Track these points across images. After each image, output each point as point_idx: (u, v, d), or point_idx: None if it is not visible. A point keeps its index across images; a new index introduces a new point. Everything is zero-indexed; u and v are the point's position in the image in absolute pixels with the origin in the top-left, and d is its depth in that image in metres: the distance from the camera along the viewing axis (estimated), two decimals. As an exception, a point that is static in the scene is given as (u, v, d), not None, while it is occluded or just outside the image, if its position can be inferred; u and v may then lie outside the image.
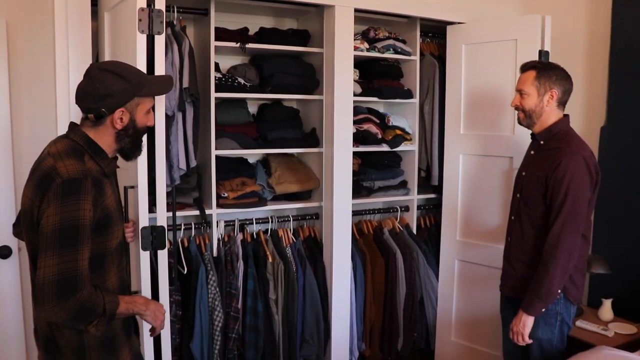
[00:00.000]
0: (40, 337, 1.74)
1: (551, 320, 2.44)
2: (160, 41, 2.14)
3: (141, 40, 2.08)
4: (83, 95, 1.72)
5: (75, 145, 1.72)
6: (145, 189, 2.15)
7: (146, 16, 2.10)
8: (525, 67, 2.51)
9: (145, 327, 2.12)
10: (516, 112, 2.55)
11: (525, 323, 2.38)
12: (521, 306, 2.40)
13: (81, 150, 1.71)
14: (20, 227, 1.85)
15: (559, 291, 2.36)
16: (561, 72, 2.46)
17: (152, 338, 2.19)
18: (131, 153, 1.86)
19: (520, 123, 2.54)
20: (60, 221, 1.55)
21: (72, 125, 1.80)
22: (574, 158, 2.31)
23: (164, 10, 2.14)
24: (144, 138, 1.93)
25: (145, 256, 2.20)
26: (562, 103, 2.46)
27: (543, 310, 2.36)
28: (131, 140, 1.81)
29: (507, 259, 2.61)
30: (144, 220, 2.17)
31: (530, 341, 2.42)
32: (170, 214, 3.01)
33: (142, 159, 2.12)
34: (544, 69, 2.45)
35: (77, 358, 1.71)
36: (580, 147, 2.37)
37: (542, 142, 2.48)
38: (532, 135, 2.55)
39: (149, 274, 2.23)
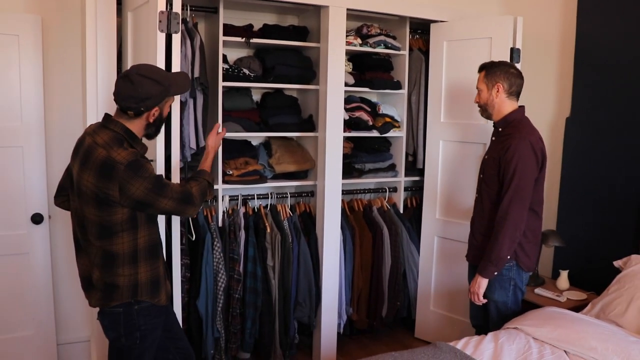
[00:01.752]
0: (100, 284, 2.18)
1: (505, 285, 2.81)
2: (176, 39, 2.53)
3: (161, 38, 2.47)
4: (125, 97, 2.12)
5: (117, 135, 2.13)
6: (162, 162, 2.56)
7: (165, 18, 2.47)
8: (479, 68, 2.89)
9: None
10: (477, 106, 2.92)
11: (480, 284, 2.76)
12: (477, 270, 2.78)
13: (121, 139, 2.13)
14: (62, 198, 2.38)
15: (509, 258, 2.72)
16: (506, 67, 2.82)
17: None
18: (154, 135, 2.31)
19: (481, 115, 2.92)
20: (148, 185, 2.07)
21: (108, 116, 2.20)
22: (521, 142, 2.67)
23: (180, 13, 2.53)
24: None
25: (161, 219, 2.59)
26: (512, 94, 2.81)
27: (495, 273, 2.73)
28: (156, 128, 2.27)
29: (471, 231, 2.98)
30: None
31: (485, 300, 2.80)
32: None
33: (160, 138, 2.51)
34: (490, 67, 2.84)
35: (132, 293, 2.18)
36: (529, 133, 2.72)
37: (500, 129, 2.85)
38: (494, 123, 2.92)
39: (164, 234, 2.62)
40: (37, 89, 3.24)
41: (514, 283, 2.82)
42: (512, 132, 2.75)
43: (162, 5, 2.46)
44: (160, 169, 2.54)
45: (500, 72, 2.80)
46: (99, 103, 2.95)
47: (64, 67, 3.34)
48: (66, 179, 2.34)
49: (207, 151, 2.61)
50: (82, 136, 2.23)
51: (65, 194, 2.37)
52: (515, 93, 2.83)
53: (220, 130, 2.74)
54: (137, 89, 2.10)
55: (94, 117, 2.95)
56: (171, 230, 2.76)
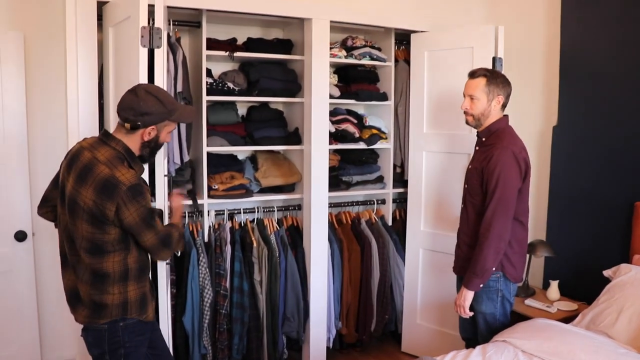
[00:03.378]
0: (88, 301, 2.17)
1: (493, 296, 2.78)
2: (159, 53, 2.51)
3: (143, 53, 2.45)
4: (126, 107, 2.13)
5: (118, 154, 2.13)
6: (146, 177, 2.51)
7: (147, 33, 2.46)
8: (474, 74, 2.78)
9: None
10: (465, 114, 2.83)
11: (466, 297, 2.72)
12: (462, 282, 2.75)
13: (122, 158, 2.13)
14: (45, 209, 2.36)
15: (495, 270, 2.69)
16: (505, 79, 2.78)
17: None
18: (147, 159, 2.30)
19: (467, 123, 2.86)
20: (141, 214, 2.08)
21: (108, 133, 2.19)
22: (504, 152, 2.63)
23: (162, 27, 2.51)
24: None
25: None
26: (504, 106, 2.78)
27: (481, 285, 2.69)
28: (150, 151, 2.25)
29: (457, 242, 2.95)
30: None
31: (471, 313, 2.76)
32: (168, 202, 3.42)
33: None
34: (492, 76, 2.75)
35: (122, 310, 2.17)
36: (511, 143, 2.68)
37: (483, 139, 2.82)
38: (478, 133, 2.89)
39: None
40: (19, 106, 3.22)
41: (502, 294, 2.79)
42: (494, 142, 2.72)
43: (144, 21, 2.45)
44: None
45: (502, 84, 2.74)
46: (80, 120, 2.93)
47: (47, 84, 3.33)
48: (52, 190, 2.32)
49: (174, 211, 2.56)
50: (76, 149, 2.20)
51: (49, 205, 2.34)
52: (506, 104, 2.80)
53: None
54: (140, 102, 2.12)
55: (76, 133, 2.93)
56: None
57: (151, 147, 2.24)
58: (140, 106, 2.11)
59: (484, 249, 2.63)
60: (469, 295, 2.72)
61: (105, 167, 2.07)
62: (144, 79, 2.37)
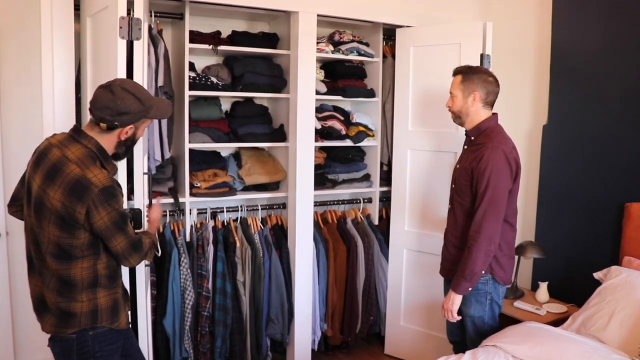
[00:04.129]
0: (55, 309, 2.03)
1: (481, 299, 2.71)
2: (138, 46, 2.40)
3: (122, 45, 2.34)
4: (102, 107, 1.98)
5: (90, 152, 1.99)
6: (124, 176, 2.42)
7: (126, 24, 2.35)
8: (454, 72, 2.77)
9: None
10: (449, 111, 2.80)
11: (454, 301, 2.65)
12: (451, 286, 2.68)
13: (95, 157, 2.00)
14: (15, 208, 2.22)
15: (484, 272, 2.62)
16: (484, 75, 2.71)
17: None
18: (123, 156, 2.17)
19: (454, 121, 2.82)
20: (112, 218, 1.96)
21: (79, 129, 2.04)
22: (494, 152, 2.57)
23: (142, 18, 2.40)
24: None
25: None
26: (487, 103, 2.71)
27: (470, 289, 2.62)
28: (126, 149, 2.12)
29: (444, 243, 2.88)
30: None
31: (459, 318, 2.69)
32: (147, 201, 3.31)
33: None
34: (467, 73, 2.71)
35: (92, 319, 2.04)
36: (502, 142, 2.62)
37: (472, 138, 2.75)
38: (466, 132, 2.82)
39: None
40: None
41: (490, 297, 2.73)
42: (484, 141, 2.65)
43: (122, 11, 2.34)
44: (122, 182, 2.39)
45: (478, 80, 2.69)
46: (56, 115, 2.82)
47: (21, 77, 3.17)
48: (22, 188, 2.17)
49: (150, 222, 2.45)
50: (44, 146, 2.05)
51: (19, 204, 2.20)
52: (491, 102, 2.73)
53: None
54: (117, 101, 1.97)
55: (51, 128, 2.82)
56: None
57: (127, 146, 2.12)
58: (117, 106, 1.97)
59: (473, 252, 2.56)
60: (457, 299, 2.66)
61: (76, 166, 1.93)
62: (122, 73, 2.26)
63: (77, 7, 2.92)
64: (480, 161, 2.59)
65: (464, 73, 2.71)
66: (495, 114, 2.75)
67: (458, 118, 2.76)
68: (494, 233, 2.56)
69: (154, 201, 2.63)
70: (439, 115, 3.31)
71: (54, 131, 2.77)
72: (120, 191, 2.03)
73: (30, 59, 3.13)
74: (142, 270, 2.50)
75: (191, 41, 3.30)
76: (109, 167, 2.06)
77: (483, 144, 2.64)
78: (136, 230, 2.20)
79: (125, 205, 2.39)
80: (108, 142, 2.05)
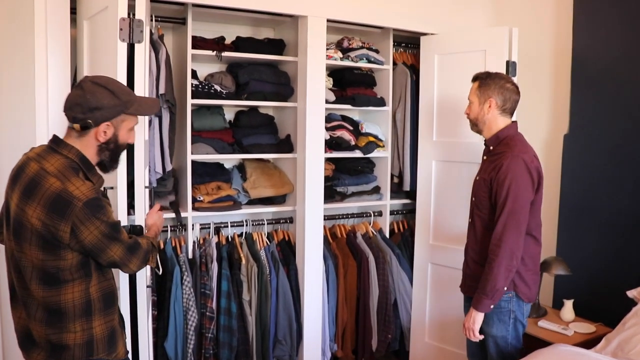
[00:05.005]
0: (44, 342, 1.82)
1: (504, 318, 2.54)
2: (140, 49, 2.23)
3: (122, 48, 2.17)
4: (72, 105, 1.78)
5: (71, 163, 1.78)
6: (124, 190, 2.23)
7: (127, 26, 2.18)
8: (473, 78, 2.64)
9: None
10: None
11: (475, 319, 2.48)
12: (472, 303, 2.51)
13: (77, 168, 1.79)
14: None
15: (507, 289, 2.46)
16: (501, 81, 2.56)
17: (129, 331, 2.28)
18: (109, 166, 1.92)
19: (471, 129, 2.67)
20: (102, 231, 1.75)
21: (58, 139, 1.84)
22: (514, 161, 2.42)
23: (144, 20, 2.23)
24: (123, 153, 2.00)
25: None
26: (505, 111, 2.56)
27: (492, 307, 2.46)
28: (110, 155, 1.87)
29: (465, 259, 2.71)
30: (122, 220, 2.24)
31: (481, 337, 2.52)
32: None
33: (122, 160, 2.19)
34: (484, 79, 2.58)
35: (87, 351, 1.83)
36: (522, 151, 2.47)
37: (491, 148, 2.61)
38: (485, 141, 2.67)
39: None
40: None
41: (514, 316, 2.55)
42: (503, 150, 2.51)
43: (123, 12, 2.17)
44: (122, 197, 2.21)
45: (495, 86, 2.55)
46: (50, 126, 2.63)
47: (14, 86, 2.97)
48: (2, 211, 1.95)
49: (148, 228, 2.24)
50: (22, 160, 1.84)
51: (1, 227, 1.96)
52: (510, 110, 2.58)
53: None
54: (86, 95, 1.76)
55: (45, 140, 2.61)
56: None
57: (110, 150, 1.87)
58: (87, 101, 1.76)
59: (494, 267, 2.40)
60: (478, 317, 2.49)
61: (56, 179, 1.72)
62: (122, 78, 2.09)
63: (73, 11, 2.74)
64: (499, 171, 2.44)
65: (481, 79, 2.59)
66: (514, 122, 2.61)
67: (475, 125, 2.64)
68: (515, 247, 2.41)
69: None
70: (463, 125, 3.16)
71: (48, 138, 2.61)
72: (107, 202, 1.84)
73: (25, 66, 2.95)
74: (144, 291, 2.30)
75: (194, 47, 3.14)
76: (94, 179, 1.84)
77: (502, 153, 2.50)
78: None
79: (125, 221, 2.21)
80: (88, 147, 1.82)
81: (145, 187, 2.28)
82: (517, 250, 2.41)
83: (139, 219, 2.25)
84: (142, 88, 2.21)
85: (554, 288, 3.59)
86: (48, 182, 1.71)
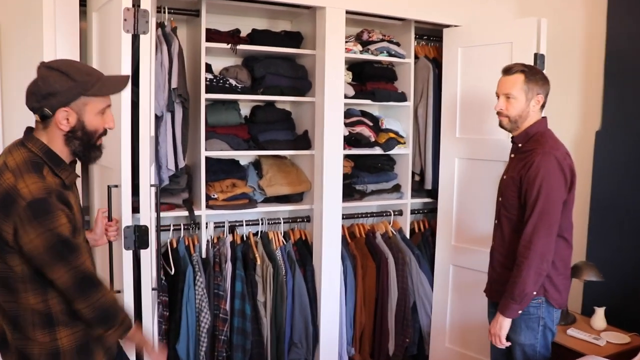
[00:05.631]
0: (13, 349, 1.68)
1: (533, 325, 2.40)
2: (145, 41, 2.13)
3: (126, 39, 2.07)
4: (28, 95, 1.64)
5: (33, 157, 1.63)
6: (128, 188, 2.13)
7: (131, 16, 2.08)
8: (510, 71, 2.43)
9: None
10: (499, 116, 2.48)
11: (502, 325, 2.35)
12: (498, 308, 2.38)
13: (40, 163, 1.63)
14: None
15: (535, 294, 2.33)
16: (544, 76, 2.44)
17: None
18: (86, 156, 1.73)
19: (502, 126, 2.50)
20: (46, 241, 1.53)
21: (28, 130, 1.71)
22: (545, 158, 2.28)
23: (149, 10, 2.13)
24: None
25: (128, 256, 2.18)
26: (542, 107, 2.44)
27: (519, 312, 2.33)
28: (81, 143, 1.68)
29: (490, 262, 2.58)
30: (127, 220, 2.15)
31: (508, 344, 2.39)
32: (162, 214, 3.02)
33: (126, 158, 2.10)
34: (531, 73, 2.41)
35: None
36: (554, 147, 2.34)
37: (520, 145, 2.46)
38: (512, 138, 2.52)
39: (132, 273, 2.21)
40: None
41: (543, 323, 2.41)
42: (534, 147, 2.37)
43: (127, 1, 2.06)
44: (126, 196, 2.11)
45: (542, 81, 2.40)
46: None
47: (25, 80, 2.92)
48: None
49: (148, 339, 1.98)
50: None
51: None
52: (545, 105, 2.45)
53: None
54: (39, 82, 1.61)
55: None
56: (141, 262, 2.30)
57: (79, 139, 1.67)
58: (39, 88, 1.60)
59: (522, 271, 2.26)
60: (505, 323, 2.35)
61: (11, 175, 1.56)
62: (126, 71, 1.98)
63: (83, 4, 2.66)
64: (529, 169, 2.30)
65: (527, 73, 2.40)
66: (544, 118, 2.47)
67: (514, 123, 2.44)
68: (546, 249, 2.27)
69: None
70: (488, 120, 3.03)
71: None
72: (60, 208, 1.57)
73: (35, 59, 2.89)
74: (149, 294, 2.20)
75: (208, 40, 3.03)
76: (62, 175, 1.67)
77: (532, 150, 2.36)
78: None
79: (129, 222, 2.12)
80: (54, 139, 1.66)
81: (151, 185, 2.18)
82: (547, 252, 2.28)
83: (144, 218, 2.15)
84: (148, 82, 2.11)
85: (583, 294, 3.42)
86: (3, 177, 1.57)
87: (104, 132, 1.73)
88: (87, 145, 1.69)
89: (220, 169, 3.26)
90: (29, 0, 2.85)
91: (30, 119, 2.29)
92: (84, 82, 1.63)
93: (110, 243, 2.20)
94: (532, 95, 2.39)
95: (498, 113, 2.47)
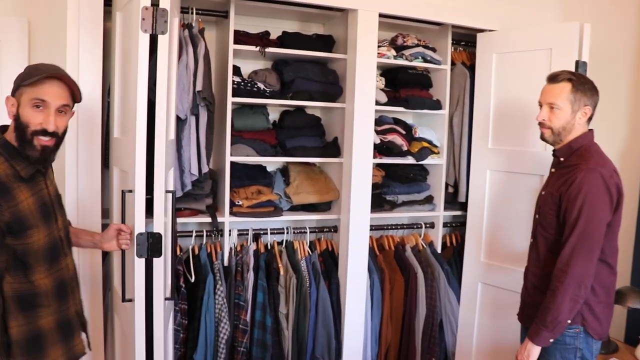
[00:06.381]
0: None
1: (569, 356, 2.22)
2: (163, 41, 2.05)
3: (144, 39, 2.00)
4: None
5: None
6: (142, 193, 2.05)
7: (150, 15, 2.01)
8: (556, 78, 2.25)
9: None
10: (541, 127, 2.30)
11: (530, 352, 2.18)
12: (528, 333, 2.21)
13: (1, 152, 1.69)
14: None
15: (571, 322, 2.15)
16: (593, 85, 2.25)
17: (144, 344, 2.10)
18: (24, 151, 1.71)
19: (543, 139, 2.32)
20: None
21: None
22: (589, 175, 2.10)
23: (168, 9, 2.05)
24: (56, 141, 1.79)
25: (140, 263, 2.10)
26: (589, 119, 2.26)
27: (551, 340, 2.16)
28: (18, 135, 1.70)
29: (524, 284, 2.42)
30: (140, 226, 2.07)
31: None
32: (184, 220, 2.97)
33: (140, 162, 2.03)
34: (579, 82, 2.22)
35: (6, 353, 1.68)
36: (600, 164, 2.15)
37: (562, 159, 2.28)
38: (553, 151, 2.35)
39: (144, 281, 2.13)
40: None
41: (581, 355, 2.22)
42: (578, 162, 2.19)
43: (146, 0, 1.99)
44: (139, 201, 2.03)
45: (590, 92, 2.22)
46: (80, 120, 2.51)
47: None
48: None
49: None
50: None
51: None
52: (592, 117, 2.27)
53: None
54: None
55: (74, 134, 2.51)
56: (153, 270, 2.21)
57: (17, 129, 1.70)
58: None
59: (557, 296, 2.09)
60: (534, 351, 2.18)
61: None
62: (143, 71, 1.90)
63: (109, 3, 2.61)
64: (571, 185, 2.13)
65: (575, 82, 2.22)
66: (590, 131, 2.28)
67: (557, 135, 2.26)
68: (585, 274, 2.09)
69: None
70: (523, 131, 2.86)
71: (76, 136, 2.52)
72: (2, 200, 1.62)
73: (61, 56, 2.87)
74: (161, 303, 2.11)
75: (236, 42, 2.95)
76: (18, 167, 1.69)
77: (575, 166, 2.18)
78: None
79: (142, 228, 2.03)
80: (12, 130, 1.72)
81: (167, 191, 2.09)
82: (586, 278, 2.10)
83: (158, 225, 2.06)
84: (165, 84, 2.03)
85: (627, 321, 3.20)
86: None
87: (42, 132, 1.70)
88: (22, 139, 1.69)
89: (245, 175, 3.17)
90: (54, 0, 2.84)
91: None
92: (27, 74, 1.69)
93: (122, 251, 2.13)
94: (578, 106, 2.21)
95: (540, 124, 2.29)
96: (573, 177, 2.13)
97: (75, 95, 1.80)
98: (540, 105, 2.29)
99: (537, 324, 2.16)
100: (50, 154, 1.76)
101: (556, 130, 2.25)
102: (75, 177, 2.55)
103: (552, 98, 2.23)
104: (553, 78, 2.27)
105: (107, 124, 2.77)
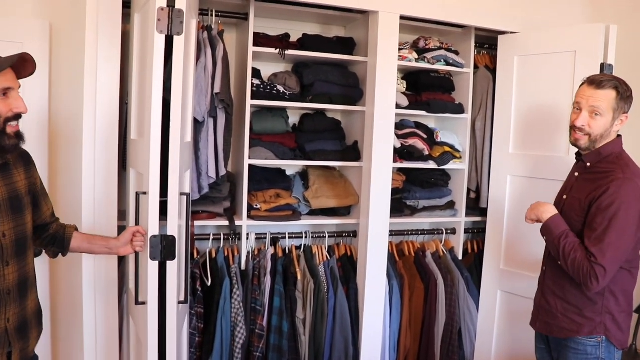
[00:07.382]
0: None
1: None
2: (179, 42, 2.03)
3: (159, 40, 1.98)
4: None
5: None
6: (156, 195, 2.03)
7: (166, 16, 2.00)
8: (602, 84, 2.11)
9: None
10: (573, 131, 2.18)
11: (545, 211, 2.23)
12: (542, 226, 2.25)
13: None
14: None
15: (595, 332, 2.12)
16: (632, 93, 2.15)
17: (156, 347, 2.08)
18: None
19: (575, 144, 2.21)
20: None
21: None
22: (626, 185, 2.01)
23: (184, 10, 2.03)
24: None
25: (153, 266, 2.08)
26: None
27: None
28: None
29: (540, 290, 2.34)
30: (153, 229, 2.05)
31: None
32: (202, 223, 2.95)
33: (155, 164, 2.01)
34: (624, 90, 2.11)
35: None
36: (636, 174, 2.06)
37: (588, 164, 2.20)
38: (577, 155, 2.27)
39: (157, 284, 2.11)
40: (41, 100, 2.81)
41: None
42: (610, 169, 2.10)
43: (162, 1, 1.98)
44: (153, 204, 2.01)
45: (630, 100, 2.13)
46: (97, 122, 2.51)
47: (74, 79, 2.91)
48: None
49: None
50: None
51: None
52: None
53: None
54: None
55: (92, 136, 2.51)
56: (167, 274, 2.19)
57: None
58: None
59: (574, 251, 2.08)
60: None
61: None
62: (158, 73, 1.89)
63: (128, 6, 2.61)
64: (603, 194, 2.04)
65: (620, 89, 2.10)
66: (619, 137, 2.19)
67: (592, 142, 2.15)
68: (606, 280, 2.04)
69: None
70: (546, 136, 2.77)
71: (94, 137, 2.53)
72: None
73: (77, 59, 2.88)
74: (174, 307, 2.09)
75: (256, 44, 2.93)
76: None
77: (608, 173, 2.09)
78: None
79: (156, 231, 2.02)
80: None
81: (182, 193, 2.07)
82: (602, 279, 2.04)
83: (171, 228, 2.04)
84: (179, 86, 2.01)
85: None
86: None
87: (14, 118, 1.67)
88: None
89: (264, 178, 3.15)
90: (77, 2, 2.85)
91: (75, 116, 2.25)
92: None
93: (136, 253, 2.11)
94: (619, 114, 2.12)
95: (578, 129, 2.16)
96: (606, 186, 2.05)
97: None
98: (578, 109, 2.16)
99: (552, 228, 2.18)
100: (22, 137, 1.73)
101: (594, 137, 2.14)
102: (92, 179, 2.55)
103: (596, 103, 2.11)
104: (598, 83, 2.13)
105: (126, 126, 2.77)
